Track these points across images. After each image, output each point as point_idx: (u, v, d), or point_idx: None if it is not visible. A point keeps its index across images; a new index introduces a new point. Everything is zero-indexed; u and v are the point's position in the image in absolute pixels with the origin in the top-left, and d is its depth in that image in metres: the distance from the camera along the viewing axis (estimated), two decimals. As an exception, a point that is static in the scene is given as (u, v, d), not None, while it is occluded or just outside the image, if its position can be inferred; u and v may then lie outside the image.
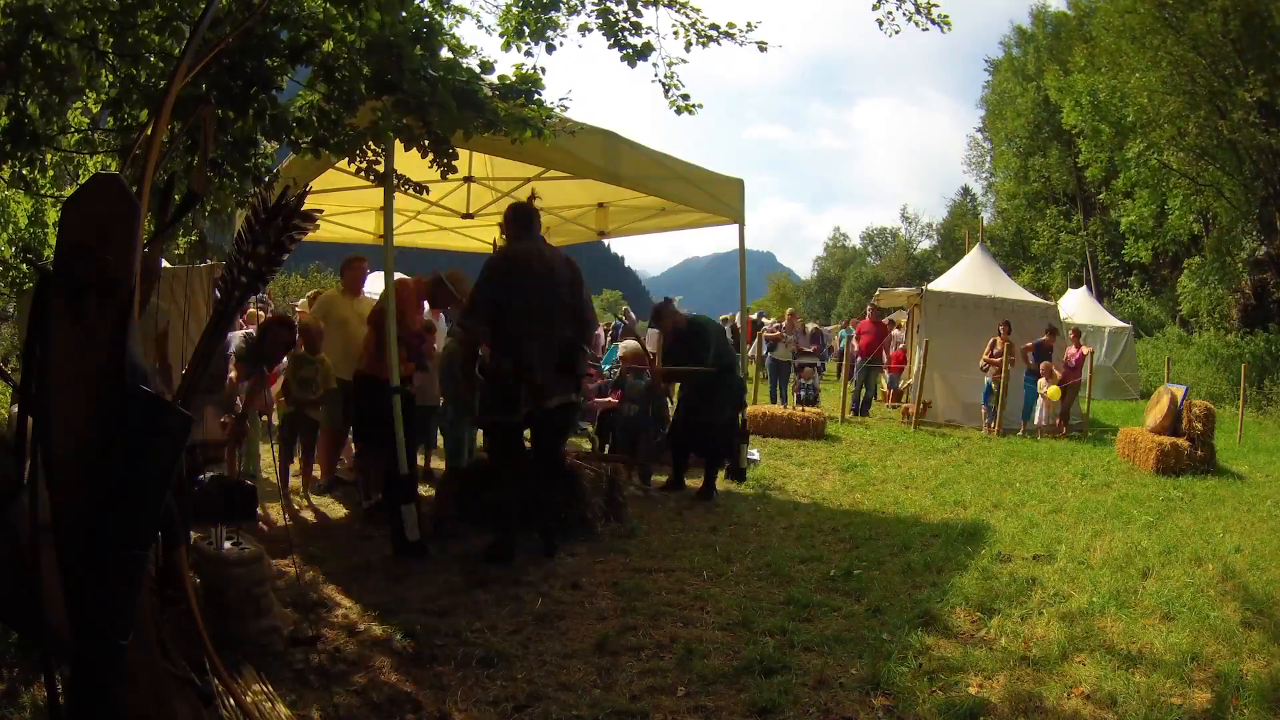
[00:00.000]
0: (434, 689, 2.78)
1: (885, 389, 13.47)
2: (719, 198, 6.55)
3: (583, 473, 4.95)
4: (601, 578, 4.04)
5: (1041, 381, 10.27)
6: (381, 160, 4.05)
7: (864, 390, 12.32)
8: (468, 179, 6.71)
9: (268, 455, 5.95)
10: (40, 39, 2.97)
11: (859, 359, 12.43)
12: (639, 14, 3.92)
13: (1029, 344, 10.63)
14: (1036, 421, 10.39)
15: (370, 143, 3.84)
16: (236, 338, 5.03)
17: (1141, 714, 2.72)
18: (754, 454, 7.74)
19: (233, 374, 4.87)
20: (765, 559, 4.43)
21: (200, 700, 2.26)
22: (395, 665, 2.96)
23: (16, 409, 2.04)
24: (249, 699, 2.50)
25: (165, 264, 6.40)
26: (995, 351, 10.41)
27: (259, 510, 4.98)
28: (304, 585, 3.68)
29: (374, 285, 12.22)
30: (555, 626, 3.39)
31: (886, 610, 3.65)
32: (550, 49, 4.00)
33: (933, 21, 4.28)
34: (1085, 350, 11.01)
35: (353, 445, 5.91)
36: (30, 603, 1.77)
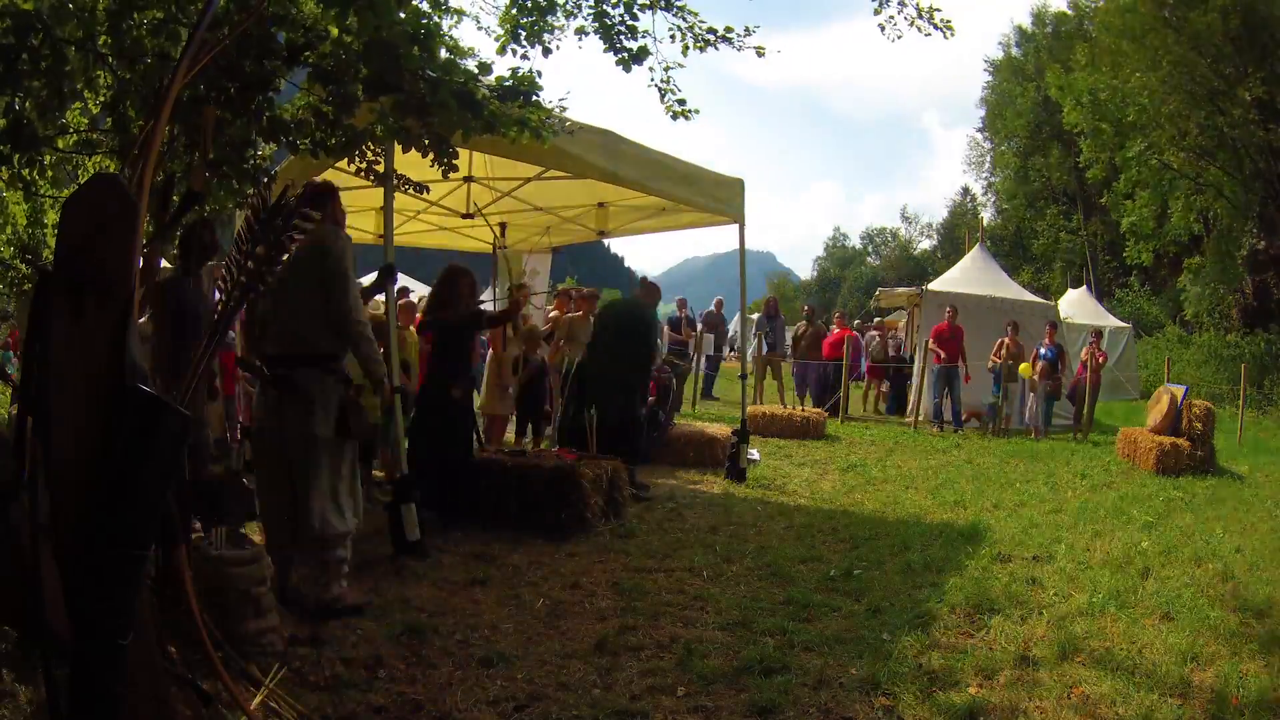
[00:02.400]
0: (434, 689, 2.78)
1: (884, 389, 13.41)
2: (719, 198, 6.55)
3: (583, 473, 4.95)
4: (601, 578, 4.04)
5: (1026, 365, 10.27)
6: (381, 160, 4.05)
7: (946, 399, 10.71)
8: (468, 179, 6.70)
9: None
10: (38, 40, 2.97)
11: (936, 365, 10.78)
12: (635, 17, 3.91)
13: (1035, 351, 10.58)
14: (1028, 420, 10.40)
15: (370, 143, 3.84)
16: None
17: (1141, 715, 2.72)
18: (754, 454, 7.74)
19: None
20: (765, 559, 4.43)
21: (200, 700, 2.26)
22: (395, 665, 2.96)
23: (16, 409, 2.04)
24: (248, 699, 2.50)
25: (164, 264, 6.40)
26: (1006, 353, 10.35)
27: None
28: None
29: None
30: (555, 626, 3.39)
31: (886, 610, 3.65)
32: (546, 52, 4.00)
33: (935, 27, 4.28)
34: (1101, 356, 10.94)
35: None
36: (30, 603, 1.77)
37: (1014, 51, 33.82)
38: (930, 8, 4.24)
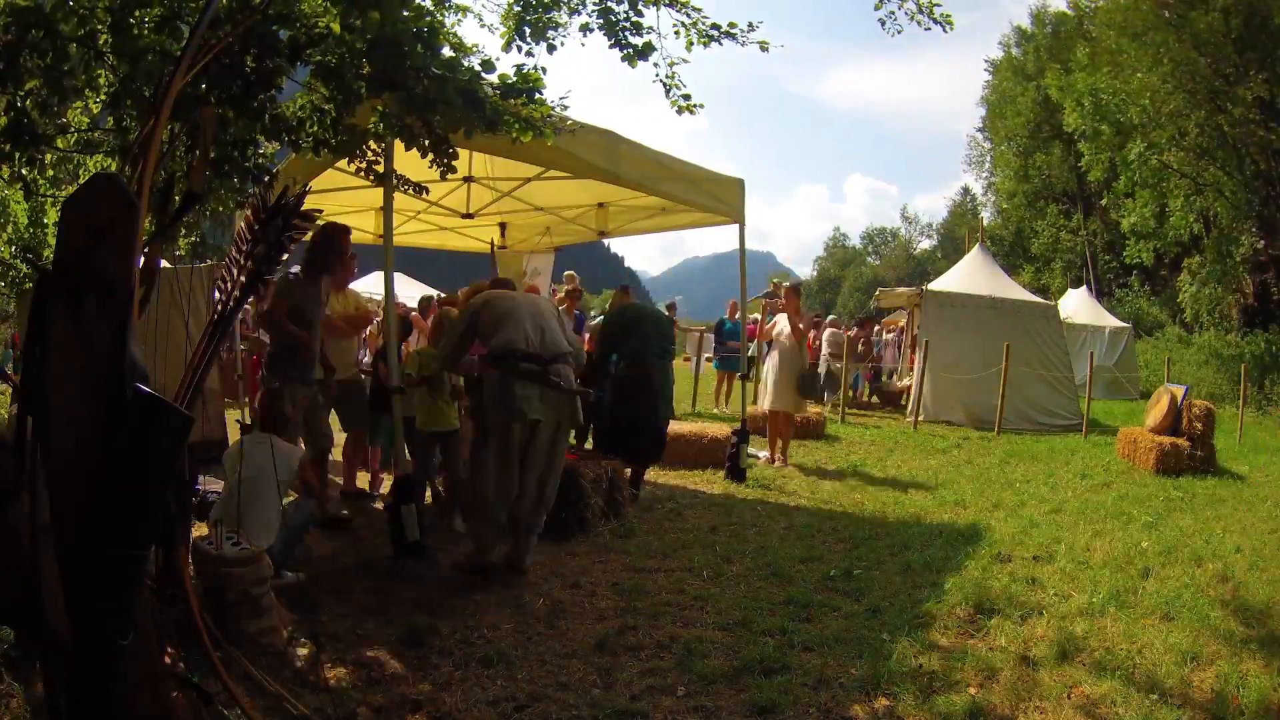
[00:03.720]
0: (434, 689, 2.77)
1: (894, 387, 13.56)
2: (719, 197, 6.54)
3: (583, 473, 4.95)
4: (601, 578, 4.04)
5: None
6: (381, 160, 4.05)
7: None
8: (468, 179, 6.70)
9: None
10: (40, 37, 2.96)
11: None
12: (640, 14, 3.91)
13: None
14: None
15: (370, 143, 3.83)
16: None
17: (1141, 714, 2.72)
18: (761, 453, 7.76)
19: None
20: (765, 559, 4.43)
21: (200, 700, 2.26)
22: (395, 665, 2.96)
23: (16, 409, 2.04)
24: (247, 699, 2.50)
25: (165, 263, 6.39)
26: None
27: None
28: (303, 584, 3.68)
29: (374, 285, 12.25)
30: (555, 626, 3.39)
31: (886, 610, 3.65)
32: (551, 49, 3.99)
33: (935, 21, 4.27)
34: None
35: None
36: (30, 603, 1.77)
37: (1014, 51, 33.83)
38: (930, 2, 4.23)
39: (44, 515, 1.79)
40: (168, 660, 2.33)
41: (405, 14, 3.17)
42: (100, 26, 3.11)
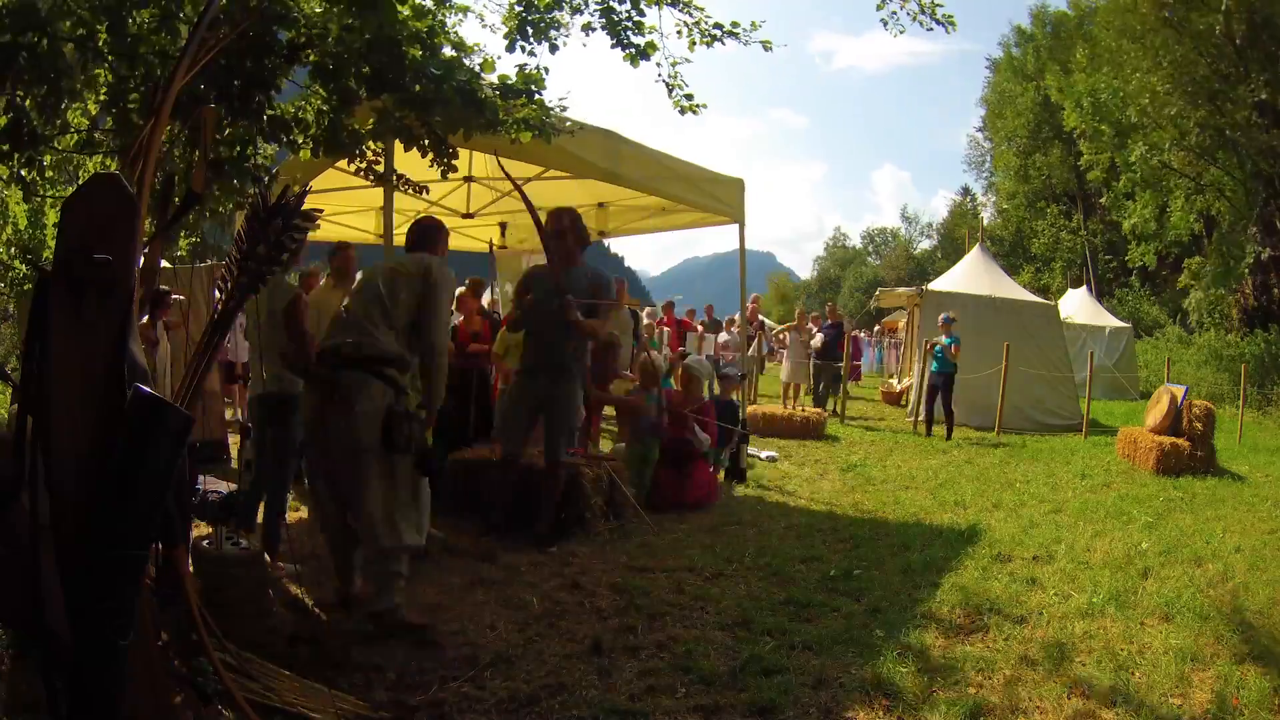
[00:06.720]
0: (433, 690, 2.77)
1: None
2: (719, 198, 6.55)
3: (583, 473, 4.95)
4: (601, 578, 4.04)
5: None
6: (381, 160, 4.05)
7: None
8: (468, 179, 6.71)
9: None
10: (37, 38, 2.96)
11: None
12: (642, 13, 3.91)
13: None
14: None
15: (370, 143, 3.84)
16: None
17: (1141, 714, 2.72)
18: (762, 453, 7.77)
19: None
20: (765, 559, 4.43)
21: (200, 700, 2.26)
22: (394, 666, 2.95)
23: (16, 409, 2.04)
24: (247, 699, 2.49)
25: (165, 264, 6.38)
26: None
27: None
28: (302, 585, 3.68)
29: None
30: (555, 626, 3.39)
31: (886, 610, 3.65)
32: (554, 48, 3.99)
33: (937, 21, 4.27)
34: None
35: None
36: (30, 603, 1.77)
37: (1014, 51, 33.84)
38: (932, 3, 4.24)
39: (44, 515, 1.79)
40: (167, 660, 2.33)
41: (403, 14, 3.17)
42: (98, 27, 3.11)
